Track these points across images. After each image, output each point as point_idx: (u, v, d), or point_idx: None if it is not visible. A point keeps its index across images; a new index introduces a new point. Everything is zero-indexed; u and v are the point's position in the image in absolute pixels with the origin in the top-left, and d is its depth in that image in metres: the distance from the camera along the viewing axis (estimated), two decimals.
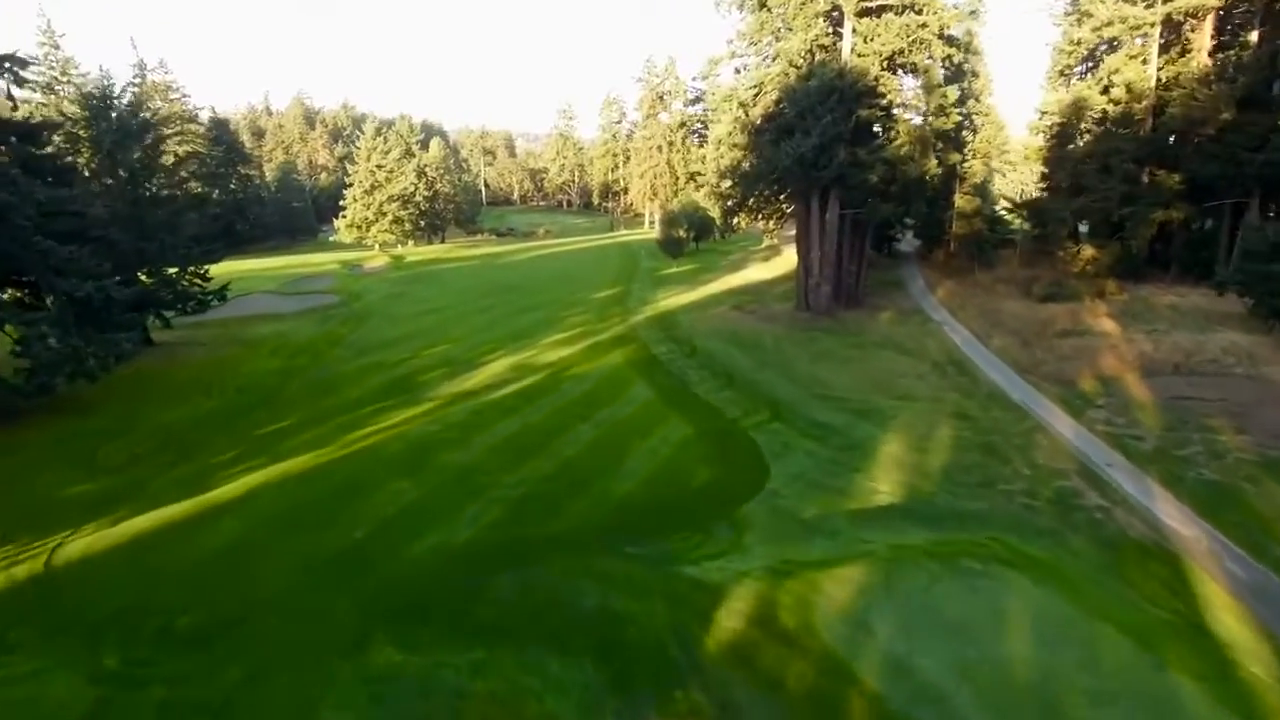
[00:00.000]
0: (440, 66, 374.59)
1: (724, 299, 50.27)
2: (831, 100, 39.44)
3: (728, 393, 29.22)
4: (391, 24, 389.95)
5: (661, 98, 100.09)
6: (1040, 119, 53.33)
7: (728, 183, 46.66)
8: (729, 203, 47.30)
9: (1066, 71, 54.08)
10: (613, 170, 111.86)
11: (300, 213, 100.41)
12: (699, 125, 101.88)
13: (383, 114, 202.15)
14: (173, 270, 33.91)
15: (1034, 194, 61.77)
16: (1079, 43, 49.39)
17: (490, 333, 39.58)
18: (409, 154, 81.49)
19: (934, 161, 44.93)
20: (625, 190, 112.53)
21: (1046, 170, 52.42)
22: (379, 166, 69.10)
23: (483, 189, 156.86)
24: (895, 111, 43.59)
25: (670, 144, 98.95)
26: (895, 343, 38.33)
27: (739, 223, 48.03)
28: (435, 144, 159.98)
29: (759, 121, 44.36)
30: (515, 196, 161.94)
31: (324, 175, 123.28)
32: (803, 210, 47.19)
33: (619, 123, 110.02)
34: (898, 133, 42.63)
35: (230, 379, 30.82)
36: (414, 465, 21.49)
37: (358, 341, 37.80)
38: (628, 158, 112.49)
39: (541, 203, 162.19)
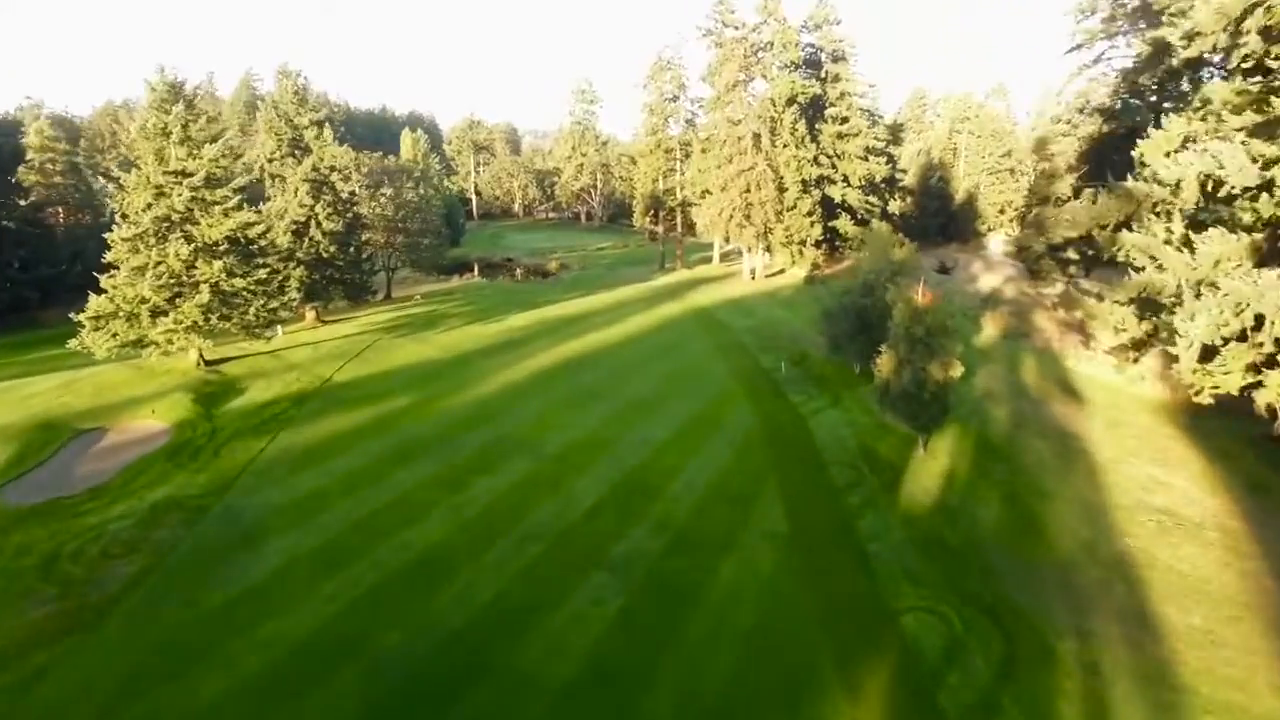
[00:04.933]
0: (447, 61, 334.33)
1: None
2: None
3: None
4: (397, 15, 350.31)
5: (756, 54, 59.73)
6: None
7: None
8: None
9: None
10: (666, 174, 71.69)
11: None
12: (812, 99, 61.48)
13: (365, 104, 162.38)
14: None
15: None
16: None
17: None
18: (298, 150, 41.57)
19: None
20: (683, 206, 72.23)
21: None
22: (183, 176, 29.24)
23: (473, 198, 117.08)
24: None
25: (773, 130, 58.64)
26: None
27: None
28: (409, 139, 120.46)
29: None
30: (517, 206, 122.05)
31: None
32: None
33: (675, 99, 69.73)
34: None
35: None
36: None
37: None
38: (687, 155, 72.36)
39: (552, 214, 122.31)
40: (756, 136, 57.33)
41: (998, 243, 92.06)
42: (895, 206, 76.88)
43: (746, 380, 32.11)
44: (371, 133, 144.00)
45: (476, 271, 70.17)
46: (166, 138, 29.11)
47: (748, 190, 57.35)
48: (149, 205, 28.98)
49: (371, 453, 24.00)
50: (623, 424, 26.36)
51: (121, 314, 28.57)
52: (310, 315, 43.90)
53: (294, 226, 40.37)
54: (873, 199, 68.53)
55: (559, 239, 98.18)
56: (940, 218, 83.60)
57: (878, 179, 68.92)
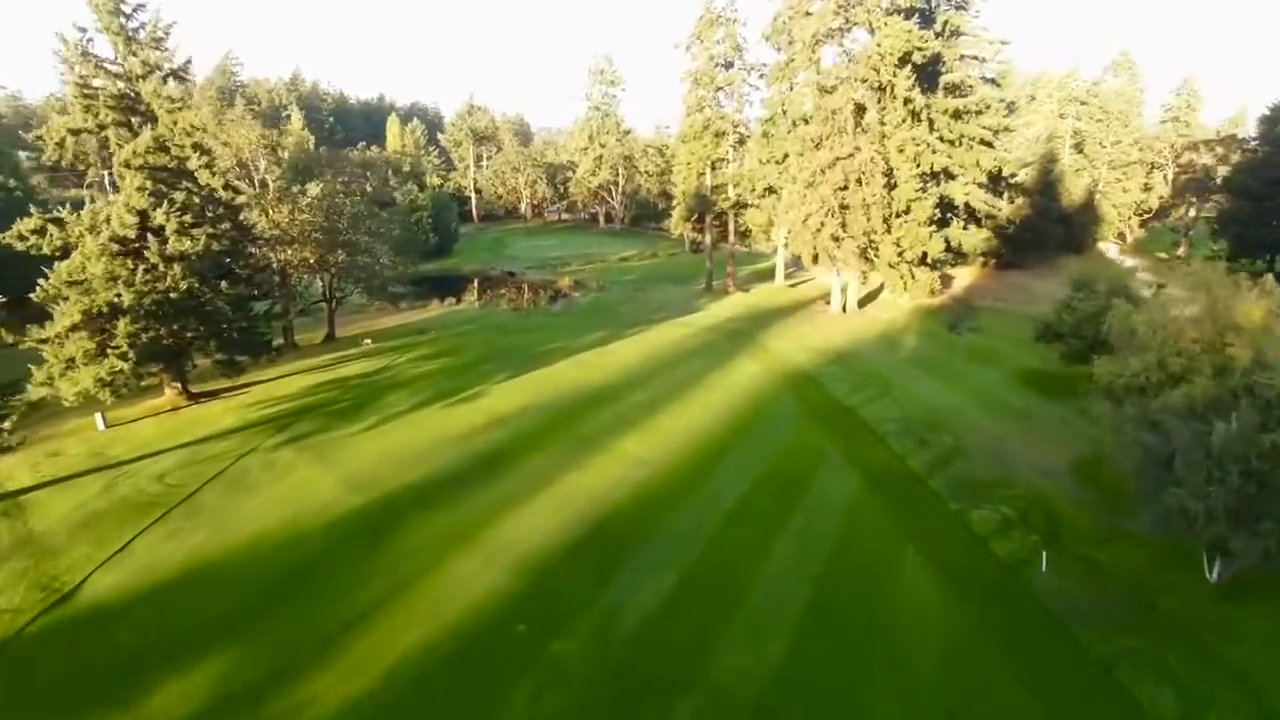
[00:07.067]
0: (462, 61, 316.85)
1: None
2: None
3: None
4: (407, 12, 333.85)
5: None
6: None
7: None
8: None
9: None
10: (716, 166, 53.83)
11: None
12: (928, 61, 43.38)
13: (362, 94, 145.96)
14: None
15: None
16: None
17: None
18: (135, 116, 24.42)
19: None
20: (737, 208, 54.40)
21: None
22: None
23: (472, 196, 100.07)
24: None
25: (880, 102, 40.71)
26: None
27: None
28: (395, 128, 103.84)
29: None
30: (524, 207, 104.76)
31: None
32: None
33: (729, 65, 51.90)
34: None
35: None
36: None
37: None
38: (742, 140, 54.65)
39: (565, 216, 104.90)
40: (859, 109, 39.46)
41: (1115, 253, 73.69)
42: (1005, 210, 58.86)
43: (982, 605, 14.39)
44: (368, 125, 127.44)
45: (476, 290, 53.05)
46: None
47: (844, 187, 39.54)
48: None
49: None
50: None
51: None
52: (170, 391, 26.87)
53: (115, 247, 23.25)
54: (992, 201, 50.69)
55: (573, 245, 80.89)
56: (1059, 223, 65.17)
57: (1005, 173, 51.01)
